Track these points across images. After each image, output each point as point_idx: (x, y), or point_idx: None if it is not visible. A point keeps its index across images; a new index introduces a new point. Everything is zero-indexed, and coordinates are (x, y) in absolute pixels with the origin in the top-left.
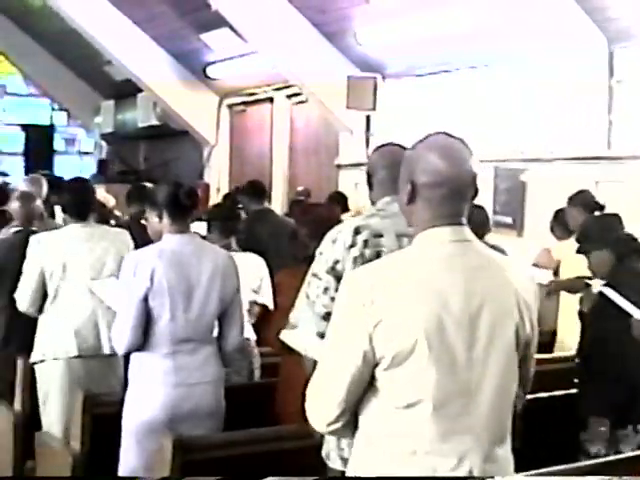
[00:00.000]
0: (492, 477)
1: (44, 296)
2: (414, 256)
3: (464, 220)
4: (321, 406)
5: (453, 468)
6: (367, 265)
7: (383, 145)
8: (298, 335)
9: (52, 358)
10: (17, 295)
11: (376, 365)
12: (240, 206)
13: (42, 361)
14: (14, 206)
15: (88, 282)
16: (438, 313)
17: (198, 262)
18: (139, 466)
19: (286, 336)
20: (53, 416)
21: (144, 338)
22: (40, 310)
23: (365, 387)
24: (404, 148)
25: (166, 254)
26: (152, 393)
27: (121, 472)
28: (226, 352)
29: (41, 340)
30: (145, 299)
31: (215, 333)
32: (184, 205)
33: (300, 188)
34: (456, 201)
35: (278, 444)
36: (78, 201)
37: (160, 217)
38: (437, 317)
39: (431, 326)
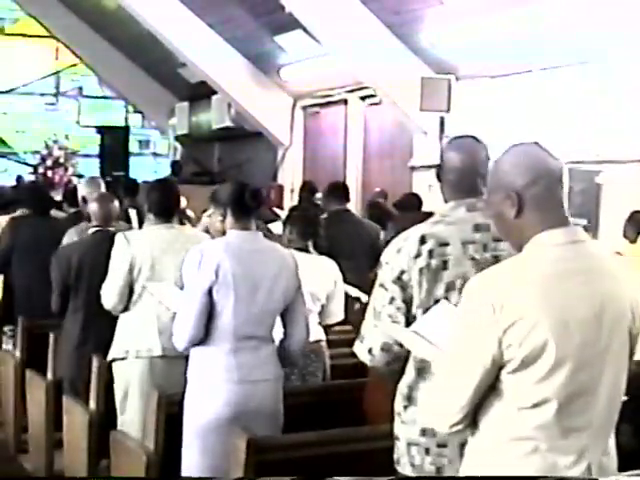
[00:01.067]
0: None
1: (129, 294)
2: (533, 260)
3: (570, 220)
4: (446, 408)
5: (572, 464)
6: (489, 271)
7: (455, 138)
8: (364, 346)
9: (134, 356)
10: (104, 292)
11: (501, 368)
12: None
13: (123, 359)
14: (93, 207)
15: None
16: (564, 314)
17: (262, 259)
18: (201, 464)
19: (355, 347)
20: (131, 415)
21: (206, 333)
22: (124, 308)
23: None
24: (478, 141)
25: (232, 248)
26: (215, 390)
27: (184, 470)
28: (291, 351)
29: (123, 338)
30: (209, 292)
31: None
32: (249, 206)
33: (377, 189)
34: (557, 198)
35: (352, 445)
36: (164, 202)
37: (223, 216)
38: (563, 318)
39: (559, 327)
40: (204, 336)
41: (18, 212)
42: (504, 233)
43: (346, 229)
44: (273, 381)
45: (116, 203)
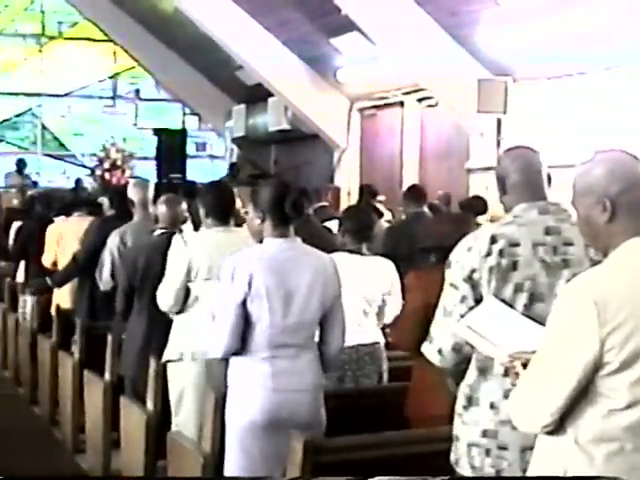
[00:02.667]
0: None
1: (185, 297)
2: (629, 265)
3: None
4: (540, 409)
5: None
6: (589, 273)
7: (512, 148)
8: (433, 347)
9: (190, 359)
10: (160, 294)
11: (596, 370)
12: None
13: (179, 360)
14: (161, 209)
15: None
16: None
17: (298, 267)
18: (242, 466)
19: (423, 347)
20: (186, 416)
21: (242, 342)
22: (179, 310)
23: None
24: (534, 151)
25: (265, 259)
26: (251, 397)
27: (225, 469)
28: (328, 357)
29: (179, 340)
30: (243, 303)
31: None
32: (288, 216)
33: (440, 192)
34: None
35: (408, 448)
36: (220, 204)
37: (262, 220)
38: None
39: None
40: (241, 344)
41: (74, 215)
42: (590, 237)
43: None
44: (310, 391)
45: (183, 206)
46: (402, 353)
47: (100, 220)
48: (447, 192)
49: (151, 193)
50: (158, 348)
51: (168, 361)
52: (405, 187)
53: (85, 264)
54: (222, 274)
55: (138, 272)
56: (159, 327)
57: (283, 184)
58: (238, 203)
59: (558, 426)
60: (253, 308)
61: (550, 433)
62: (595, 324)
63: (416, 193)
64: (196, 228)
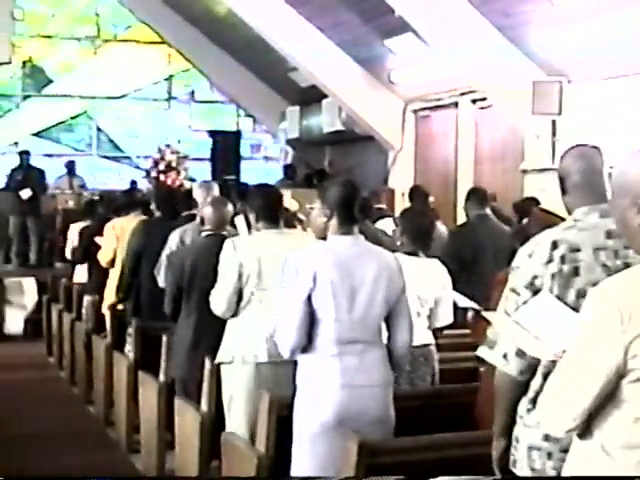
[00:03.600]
0: None
1: (238, 300)
2: None
3: None
4: (563, 413)
5: None
6: (616, 277)
7: (575, 146)
8: (497, 352)
9: (241, 361)
10: (213, 298)
11: (622, 377)
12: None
13: (230, 363)
14: (207, 211)
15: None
16: None
17: (362, 264)
18: (311, 468)
19: (483, 352)
20: (238, 418)
21: (309, 340)
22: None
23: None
24: (597, 150)
25: (329, 255)
26: (320, 395)
27: (293, 471)
28: (396, 355)
29: (230, 342)
30: (308, 300)
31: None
32: (356, 217)
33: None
34: None
35: (463, 450)
36: (268, 207)
37: (328, 217)
38: None
39: None
40: (308, 342)
41: (132, 215)
42: (628, 238)
43: (487, 232)
44: (379, 387)
45: (230, 207)
46: (452, 355)
47: (143, 222)
48: (493, 192)
49: (215, 194)
50: (207, 350)
51: (220, 363)
52: (460, 189)
53: (133, 267)
54: (285, 272)
55: (185, 274)
56: (208, 329)
57: (352, 184)
58: (294, 205)
59: (585, 430)
60: (318, 304)
61: (579, 437)
62: (619, 330)
63: (478, 195)
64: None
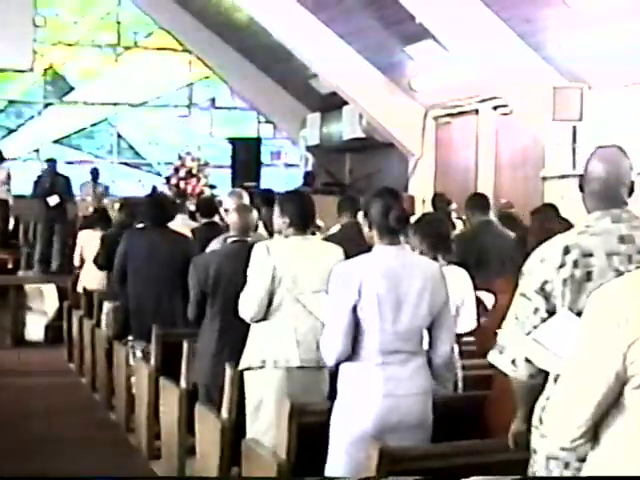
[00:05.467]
0: None
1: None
2: None
3: None
4: (567, 424)
5: None
6: (614, 282)
7: (602, 147)
8: (505, 357)
9: (272, 366)
10: (242, 302)
11: (624, 383)
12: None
13: (260, 367)
14: (232, 217)
15: (297, 295)
16: None
17: (407, 274)
18: (347, 473)
19: (493, 357)
20: (265, 424)
21: (353, 348)
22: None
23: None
24: (623, 153)
25: (375, 266)
26: (361, 403)
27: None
28: (436, 364)
29: (260, 347)
30: (354, 310)
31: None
32: (392, 228)
33: (503, 200)
34: None
35: (484, 457)
36: (303, 213)
37: (370, 227)
38: None
39: None
40: (352, 351)
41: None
42: None
43: (490, 239)
44: (421, 395)
45: (255, 214)
46: (476, 362)
47: (128, 233)
48: (509, 200)
49: (246, 202)
50: (230, 355)
51: (248, 369)
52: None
53: (117, 281)
54: (332, 281)
55: (209, 280)
56: (231, 335)
57: (391, 196)
58: None
59: (592, 439)
60: (364, 314)
61: (591, 447)
62: (616, 336)
63: (480, 201)
64: (271, 236)
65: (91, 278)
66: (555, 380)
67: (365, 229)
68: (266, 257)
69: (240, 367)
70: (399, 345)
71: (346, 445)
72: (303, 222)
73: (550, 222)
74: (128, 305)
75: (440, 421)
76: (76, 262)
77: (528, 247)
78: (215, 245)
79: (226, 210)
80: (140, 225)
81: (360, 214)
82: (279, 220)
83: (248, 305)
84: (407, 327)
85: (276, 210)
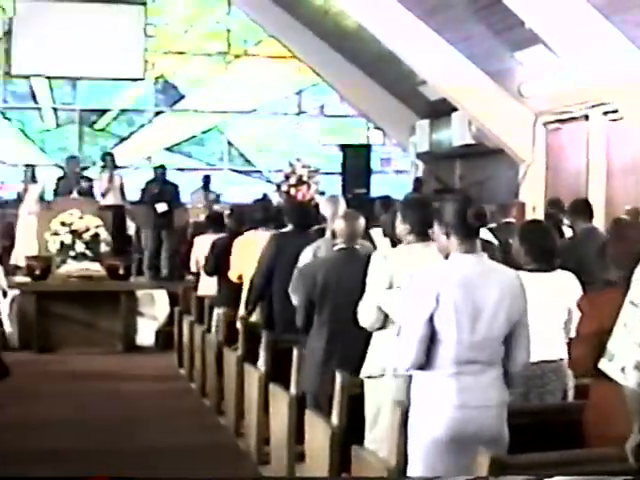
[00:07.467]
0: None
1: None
2: None
3: None
4: None
5: None
6: None
7: None
8: (615, 365)
9: (392, 375)
10: (361, 310)
11: None
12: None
13: (380, 376)
14: (339, 225)
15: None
16: None
17: (485, 283)
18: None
19: (604, 365)
20: (383, 432)
21: (428, 357)
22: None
23: None
24: None
25: (453, 275)
26: (436, 413)
27: None
28: (512, 374)
29: (379, 355)
30: (430, 319)
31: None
32: (471, 226)
33: (627, 207)
34: None
35: (591, 466)
36: (424, 219)
37: (447, 235)
38: None
39: None
40: (426, 360)
41: (261, 229)
42: None
43: (594, 247)
44: (495, 407)
45: (362, 221)
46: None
47: (275, 236)
48: (635, 207)
49: (342, 208)
50: (339, 363)
51: (369, 377)
52: (592, 202)
53: (262, 284)
54: (409, 289)
55: (317, 288)
56: (340, 342)
57: (465, 197)
58: None
59: None
60: (440, 324)
61: None
62: None
63: (583, 208)
64: (393, 243)
65: (209, 284)
66: None
67: (441, 239)
68: (383, 264)
69: (361, 375)
70: (475, 355)
71: (422, 449)
72: (424, 229)
73: None
74: (273, 304)
75: (549, 430)
76: (193, 268)
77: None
78: (308, 253)
79: (323, 217)
80: (285, 229)
81: (435, 226)
82: (400, 227)
83: (366, 313)
84: (484, 337)
85: (398, 217)
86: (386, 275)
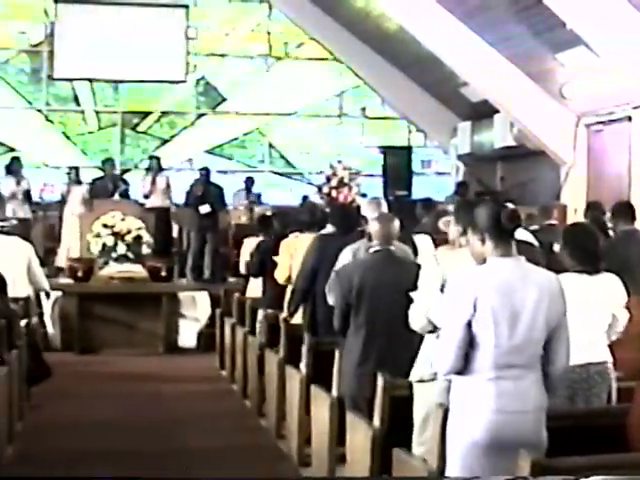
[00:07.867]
0: None
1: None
2: None
3: None
4: None
5: None
6: None
7: None
8: None
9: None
10: (412, 313)
11: None
12: (609, 226)
13: (431, 380)
14: (374, 227)
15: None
16: None
17: (524, 287)
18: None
19: None
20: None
21: (466, 361)
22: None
23: None
24: None
25: (490, 280)
26: (474, 417)
27: None
28: (552, 377)
29: (431, 359)
30: (468, 324)
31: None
32: (506, 228)
33: None
34: None
35: (634, 471)
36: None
37: (482, 240)
38: None
39: None
40: (465, 364)
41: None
42: None
43: (636, 249)
44: (533, 412)
45: (396, 223)
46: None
47: (319, 238)
48: None
49: (384, 210)
50: (376, 365)
51: (420, 381)
52: (634, 205)
53: (305, 286)
54: (447, 293)
55: (353, 290)
56: (376, 345)
57: (497, 202)
58: None
59: None
60: (479, 329)
61: None
62: None
63: (625, 209)
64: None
65: (257, 286)
66: None
67: (476, 245)
68: (435, 267)
69: (411, 378)
70: (513, 359)
71: (460, 452)
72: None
73: None
74: (316, 306)
75: (592, 433)
76: (242, 270)
77: None
78: (347, 254)
79: (365, 219)
80: (326, 231)
81: (469, 233)
82: (453, 228)
83: (417, 316)
84: (523, 340)
85: (452, 219)
86: (437, 278)
